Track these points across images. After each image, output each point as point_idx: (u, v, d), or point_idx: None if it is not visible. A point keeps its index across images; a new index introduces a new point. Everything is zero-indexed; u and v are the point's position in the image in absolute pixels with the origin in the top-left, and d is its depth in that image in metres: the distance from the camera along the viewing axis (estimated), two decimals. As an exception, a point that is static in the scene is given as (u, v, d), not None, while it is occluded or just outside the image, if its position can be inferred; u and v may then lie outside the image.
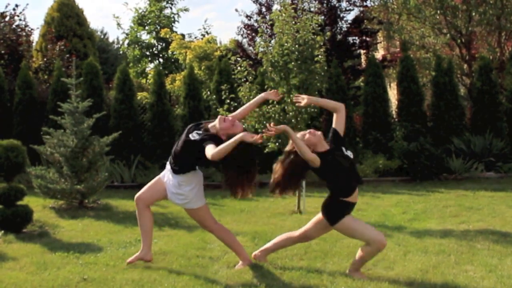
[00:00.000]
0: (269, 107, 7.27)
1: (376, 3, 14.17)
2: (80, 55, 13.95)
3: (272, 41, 7.82)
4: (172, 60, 18.10)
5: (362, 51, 16.06)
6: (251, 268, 4.42)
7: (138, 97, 12.23)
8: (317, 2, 14.70)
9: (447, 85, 11.42)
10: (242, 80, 7.51)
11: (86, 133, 7.87)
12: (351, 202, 4.22)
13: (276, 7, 14.04)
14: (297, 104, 4.65)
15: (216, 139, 4.24)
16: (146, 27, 19.29)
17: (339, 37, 14.98)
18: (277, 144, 7.22)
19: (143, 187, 4.72)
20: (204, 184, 10.70)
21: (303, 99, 4.50)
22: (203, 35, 18.73)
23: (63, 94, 10.01)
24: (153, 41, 19.22)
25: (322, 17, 10.49)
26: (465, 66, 13.21)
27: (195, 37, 19.06)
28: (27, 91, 11.06)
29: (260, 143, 4.24)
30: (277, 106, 7.26)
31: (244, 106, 4.90)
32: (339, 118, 4.40)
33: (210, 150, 4.10)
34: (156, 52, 19.17)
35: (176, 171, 4.45)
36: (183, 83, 11.84)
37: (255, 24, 15.13)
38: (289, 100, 7.16)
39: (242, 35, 16.08)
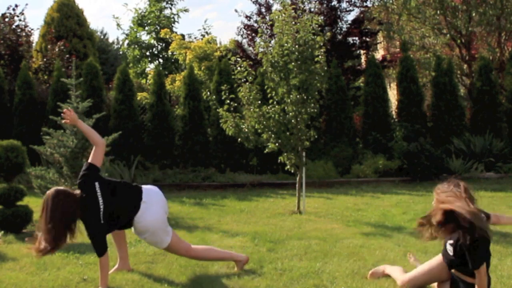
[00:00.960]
0: (269, 107, 7.26)
1: (376, 4, 14.18)
2: (80, 56, 13.96)
3: (272, 42, 7.82)
4: (172, 60, 18.12)
5: (362, 52, 16.05)
6: (251, 268, 4.42)
7: (138, 98, 12.24)
8: (317, 2, 14.71)
9: (447, 86, 11.43)
10: (242, 80, 7.50)
11: (86, 133, 7.86)
12: None
13: (276, 7, 14.05)
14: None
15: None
16: (146, 28, 19.31)
17: (339, 37, 14.96)
18: (276, 144, 7.22)
19: None
20: (204, 184, 10.54)
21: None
22: (203, 36, 18.75)
23: (63, 94, 10.01)
24: (153, 42, 19.24)
25: (322, 17, 10.48)
26: (465, 66, 13.23)
27: (195, 38, 19.08)
28: (27, 91, 11.07)
29: None
30: (277, 106, 7.26)
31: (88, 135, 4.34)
32: None
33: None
34: (156, 52, 19.19)
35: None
36: (183, 83, 11.85)
37: (255, 25, 15.13)
38: (289, 101, 7.16)
39: (242, 35, 16.08)
